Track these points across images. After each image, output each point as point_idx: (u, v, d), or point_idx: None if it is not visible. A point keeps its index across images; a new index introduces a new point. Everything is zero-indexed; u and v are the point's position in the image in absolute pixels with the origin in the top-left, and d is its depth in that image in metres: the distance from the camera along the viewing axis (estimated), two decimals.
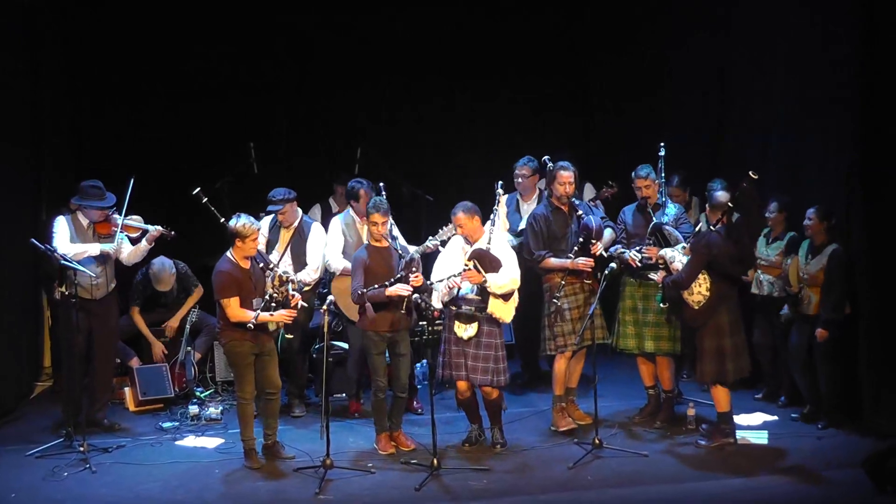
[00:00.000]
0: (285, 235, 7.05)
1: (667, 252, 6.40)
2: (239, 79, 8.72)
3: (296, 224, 7.07)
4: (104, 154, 8.23)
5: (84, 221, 6.63)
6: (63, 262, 6.34)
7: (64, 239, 6.51)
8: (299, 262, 7.01)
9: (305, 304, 6.22)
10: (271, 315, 6.00)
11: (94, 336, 6.70)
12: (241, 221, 6.03)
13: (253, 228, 6.02)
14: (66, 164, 8.07)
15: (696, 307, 6.24)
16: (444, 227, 6.62)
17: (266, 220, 7.06)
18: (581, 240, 6.56)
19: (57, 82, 7.94)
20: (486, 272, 6.12)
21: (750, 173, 6.27)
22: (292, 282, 6.10)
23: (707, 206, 6.84)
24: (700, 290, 6.21)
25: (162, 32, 8.40)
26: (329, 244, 6.99)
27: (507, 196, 7.41)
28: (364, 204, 6.72)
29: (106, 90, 8.38)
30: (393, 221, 6.73)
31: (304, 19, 8.78)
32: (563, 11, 9.32)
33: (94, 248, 6.55)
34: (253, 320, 5.95)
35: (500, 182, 6.64)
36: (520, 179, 7.41)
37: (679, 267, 6.28)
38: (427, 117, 8.99)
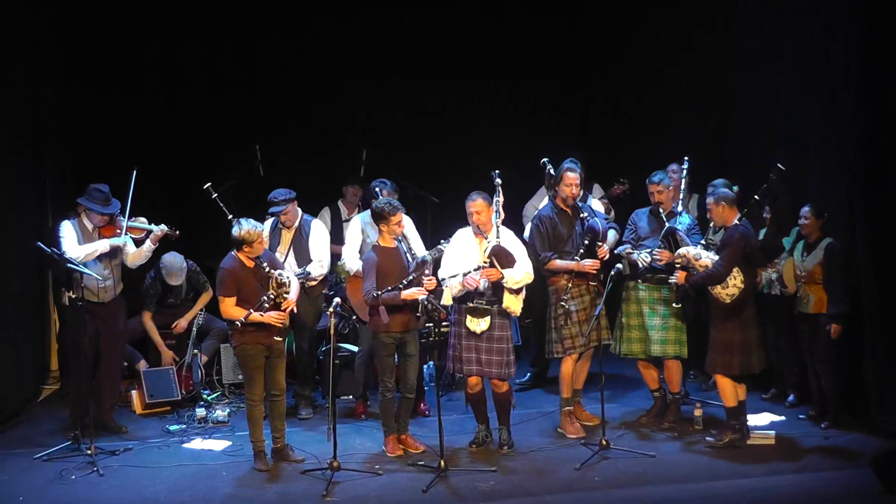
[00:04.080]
0: (287, 236, 7.07)
1: (690, 250, 6.36)
2: (240, 79, 8.73)
3: (297, 224, 7.08)
4: (105, 155, 8.21)
5: (89, 225, 6.64)
6: (69, 265, 6.34)
7: (72, 242, 6.51)
8: (303, 261, 7.02)
9: (295, 310, 6.19)
10: (261, 315, 6.00)
11: (101, 339, 6.71)
12: (244, 228, 6.01)
13: (257, 232, 6.02)
14: (68, 165, 8.06)
15: (729, 300, 6.24)
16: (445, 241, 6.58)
17: (267, 223, 7.05)
18: (587, 242, 6.57)
19: (57, 83, 7.92)
20: (502, 268, 6.13)
21: (778, 165, 6.37)
22: (284, 285, 6.09)
23: (712, 204, 6.52)
24: (735, 283, 6.21)
25: (162, 33, 8.41)
26: (347, 243, 6.97)
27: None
28: None
29: (106, 90, 8.37)
30: (411, 223, 6.79)
31: (305, 20, 8.79)
32: (564, 12, 9.34)
33: (103, 245, 6.55)
34: (242, 319, 5.98)
35: (497, 171, 6.58)
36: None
37: (708, 263, 6.27)
38: (429, 118, 9.00)
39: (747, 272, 6.27)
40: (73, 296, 6.34)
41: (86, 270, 6.40)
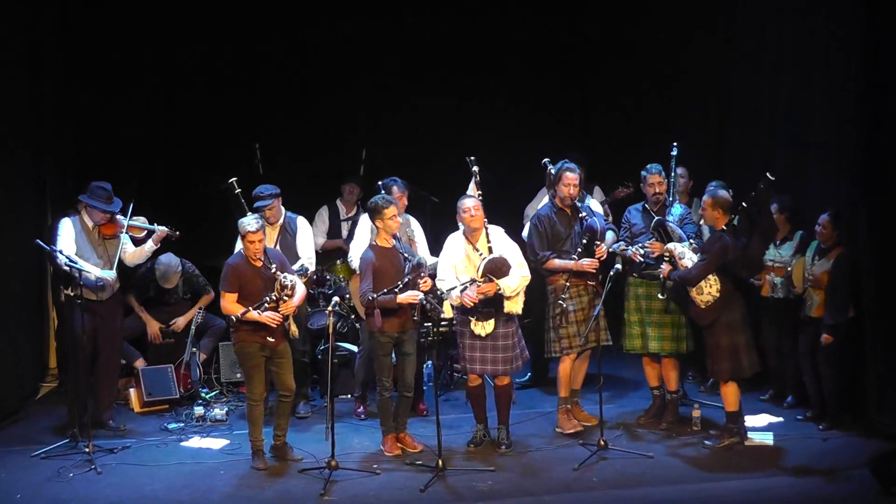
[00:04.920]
0: (271, 233, 7.02)
1: (676, 247, 6.37)
2: (240, 79, 8.74)
3: (281, 221, 7.06)
4: (105, 155, 8.24)
5: (89, 223, 6.65)
6: (67, 263, 6.35)
7: (68, 242, 6.51)
8: (291, 258, 6.99)
9: (291, 313, 6.17)
10: (259, 315, 6.00)
11: (99, 336, 6.71)
12: (240, 221, 6.08)
13: (246, 228, 6.03)
14: (68, 165, 8.07)
15: (704, 306, 6.24)
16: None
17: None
18: (585, 241, 6.57)
19: (57, 83, 7.92)
20: (498, 279, 6.14)
21: (767, 174, 6.31)
22: (286, 288, 6.09)
23: (707, 202, 6.39)
24: (710, 290, 6.20)
25: (162, 33, 8.41)
26: (356, 240, 6.95)
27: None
28: (400, 201, 6.72)
29: (106, 90, 8.39)
30: (420, 227, 6.86)
31: (305, 20, 8.79)
32: (564, 12, 9.33)
33: (94, 271, 6.54)
34: (238, 315, 5.99)
35: (472, 158, 6.57)
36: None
37: (688, 264, 6.27)
38: (429, 118, 9.00)
39: (725, 281, 6.23)
40: (72, 293, 6.35)
41: (84, 268, 6.40)
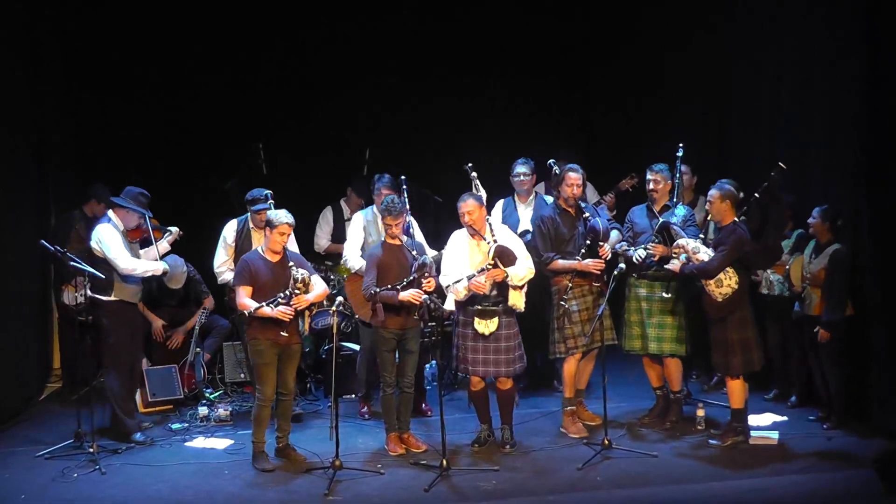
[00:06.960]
0: (258, 237, 7.00)
1: (689, 242, 6.37)
2: (241, 79, 8.74)
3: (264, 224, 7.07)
4: (105, 155, 8.25)
5: (121, 226, 6.60)
6: (72, 263, 6.33)
7: (122, 251, 6.44)
8: None
9: (303, 307, 6.16)
10: (271, 310, 6.00)
11: (134, 339, 6.71)
12: (275, 211, 6.13)
13: (283, 220, 6.05)
14: (69, 165, 8.08)
15: (721, 299, 6.25)
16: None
17: (232, 226, 7.02)
18: (588, 242, 6.58)
19: (57, 83, 7.93)
20: (505, 267, 6.15)
21: (780, 164, 6.35)
22: (298, 281, 6.09)
23: (716, 197, 6.33)
24: (730, 282, 6.22)
25: (162, 33, 8.42)
26: (348, 241, 6.97)
27: (503, 200, 7.42)
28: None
29: (106, 90, 8.38)
30: (416, 223, 6.81)
31: (306, 19, 8.80)
32: (564, 11, 9.35)
33: (158, 266, 6.64)
34: (251, 310, 5.98)
35: (470, 164, 6.66)
36: (522, 178, 7.37)
37: (704, 258, 6.28)
38: (429, 118, 9.01)
39: (742, 273, 6.27)
40: (77, 294, 6.33)
41: (90, 269, 6.37)
